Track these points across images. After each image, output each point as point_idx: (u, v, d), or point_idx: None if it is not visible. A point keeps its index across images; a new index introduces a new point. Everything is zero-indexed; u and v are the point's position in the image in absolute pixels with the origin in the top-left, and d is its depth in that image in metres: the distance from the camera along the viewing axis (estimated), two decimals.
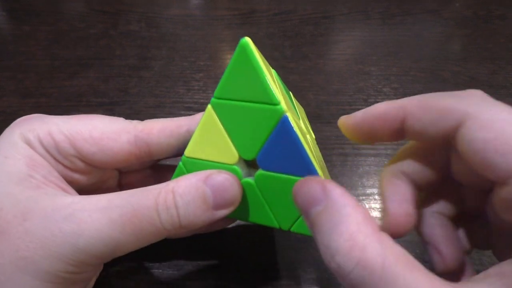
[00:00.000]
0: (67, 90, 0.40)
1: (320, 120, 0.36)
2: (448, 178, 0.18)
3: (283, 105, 0.16)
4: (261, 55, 0.18)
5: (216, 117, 0.18)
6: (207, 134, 0.18)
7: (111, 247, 0.16)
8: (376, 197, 0.30)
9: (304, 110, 0.39)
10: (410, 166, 0.18)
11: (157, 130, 0.19)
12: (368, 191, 0.31)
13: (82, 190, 0.20)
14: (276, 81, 0.19)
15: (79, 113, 0.37)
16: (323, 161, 0.21)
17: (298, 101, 0.40)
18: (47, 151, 0.18)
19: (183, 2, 0.55)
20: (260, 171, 0.18)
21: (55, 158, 0.18)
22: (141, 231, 0.16)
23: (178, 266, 0.26)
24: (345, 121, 0.18)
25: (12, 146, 0.18)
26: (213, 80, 0.42)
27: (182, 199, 0.17)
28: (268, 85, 0.16)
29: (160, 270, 0.25)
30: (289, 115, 0.17)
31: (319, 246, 0.14)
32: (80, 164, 0.19)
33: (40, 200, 0.16)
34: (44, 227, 0.16)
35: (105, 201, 0.16)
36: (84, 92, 0.40)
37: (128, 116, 0.33)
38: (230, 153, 0.18)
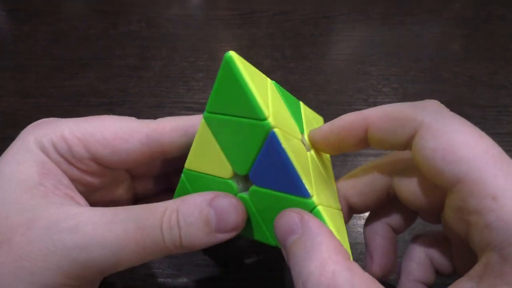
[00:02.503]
0: (67, 90, 0.40)
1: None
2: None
3: (271, 120, 0.16)
4: (251, 67, 0.17)
5: (210, 131, 0.17)
6: (202, 147, 0.18)
7: (113, 263, 0.16)
8: None
9: None
10: (388, 216, 0.20)
11: (170, 129, 0.19)
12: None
13: (95, 192, 0.20)
14: (272, 93, 0.18)
15: (79, 114, 0.37)
16: (329, 175, 0.21)
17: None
18: (61, 156, 0.18)
19: (183, 2, 0.55)
20: (253, 187, 0.18)
21: (69, 162, 0.18)
22: (144, 248, 0.16)
23: (178, 266, 0.26)
24: (313, 134, 0.19)
25: (26, 152, 0.17)
26: (213, 80, 0.42)
27: (185, 219, 0.17)
28: (255, 99, 0.15)
29: (160, 270, 0.25)
30: (277, 130, 0.16)
31: (292, 275, 0.15)
32: (94, 166, 0.19)
33: (46, 209, 0.16)
34: (46, 238, 0.15)
35: (110, 215, 0.16)
36: (84, 92, 0.40)
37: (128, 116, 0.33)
38: (224, 168, 0.18)
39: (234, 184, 0.18)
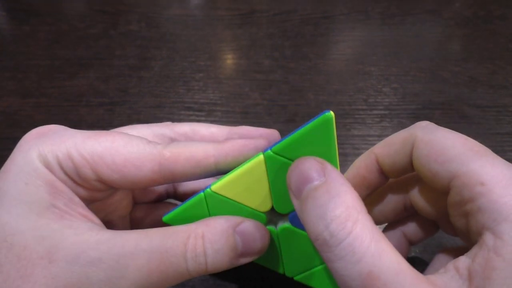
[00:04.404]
0: (67, 90, 0.40)
1: None
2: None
3: None
4: None
5: (265, 167, 0.18)
6: (247, 179, 0.18)
7: None
8: None
9: (304, 110, 0.39)
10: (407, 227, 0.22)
11: (184, 160, 0.18)
12: None
13: (95, 201, 0.20)
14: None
15: (79, 114, 0.37)
16: None
17: (298, 102, 0.40)
18: (67, 174, 0.17)
19: (183, 2, 0.55)
20: (287, 225, 0.19)
21: (74, 181, 0.18)
22: (166, 277, 0.16)
23: None
24: None
25: (32, 170, 0.16)
26: (213, 80, 0.42)
27: (212, 246, 0.17)
28: (337, 162, 0.17)
29: None
30: None
31: (308, 219, 0.15)
32: (98, 185, 0.18)
33: (65, 236, 0.16)
34: (70, 272, 0.15)
35: (133, 244, 0.16)
36: (84, 92, 0.40)
37: (128, 116, 0.33)
38: (264, 202, 0.18)
39: (264, 216, 0.19)
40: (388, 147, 0.19)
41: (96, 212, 0.18)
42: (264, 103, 0.39)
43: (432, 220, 0.21)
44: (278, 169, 0.17)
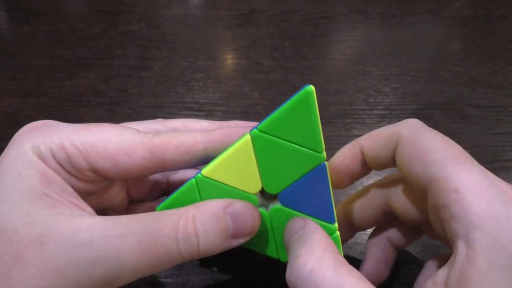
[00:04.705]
0: (67, 90, 0.40)
1: (320, 120, 0.36)
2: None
3: (325, 153, 0.17)
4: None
5: (252, 147, 0.18)
6: (235, 161, 0.18)
7: (128, 275, 0.16)
8: None
9: None
10: (392, 232, 0.22)
11: (174, 147, 0.18)
12: None
13: (90, 195, 0.20)
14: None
15: (79, 114, 0.37)
16: None
17: None
18: (60, 165, 0.18)
19: (183, 2, 0.55)
20: (278, 206, 0.19)
21: (68, 172, 0.18)
22: (158, 258, 0.16)
23: (178, 266, 0.26)
24: None
25: (25, 161, 0.17)
26: (213, 80, 0.42)
27: (203, 227, 0.17)
28: (320, 133, 0.17)
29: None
30: (327, 163, 0.18)
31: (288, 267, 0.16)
32: (92, 176, 0.18)
33: (56, 222, 0.16)
34: (60, 254, 0.15)
35: (123, 226, 0.16)
36: (84, 92, 0.40)
37: (128, 116, 0.33)
38: (254, 184, 0.18)
39: (256, 198, 0.19)
40: (374, 140, 0.19)
41: (91, 207, 0.19)
42: (264, 103, 0.39)
43: (415, 225, 0.21)
44: (265, 148, 0.17)
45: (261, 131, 0.17)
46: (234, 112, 0.38)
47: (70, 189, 0.18)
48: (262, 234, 0.20)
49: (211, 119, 0.37)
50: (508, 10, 0.54)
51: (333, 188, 0.19)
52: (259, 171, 0.18)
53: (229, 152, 0.18)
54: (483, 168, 0.16)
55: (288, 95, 0.41)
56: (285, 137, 0.17)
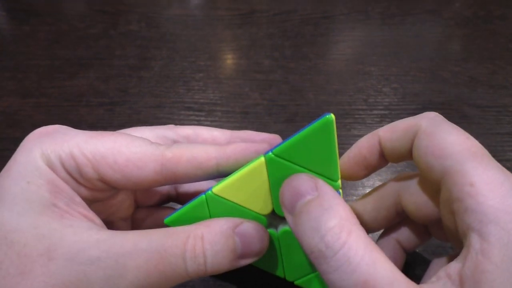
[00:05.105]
0: (67, 90, 0.40)
1: None
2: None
3: (340, 182, 0.17)
4: None
5: (266, 169, 0.18)
6: (248, 181, 0.18)
7: None
8: None
9: (304, 110, 0.39)
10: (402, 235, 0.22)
11: (186, 161, 0.18)
12: (368, 191, 0.31)
13: (97, 202, 0.20)
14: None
15: (79, 114, 0.37)
16: None
17: (298, 102, 0.40)
18: (69, 174, 0.17)
19: (183, 2, 0.55)
20: (288, 228, 0.19)
21: (76, 181, 0.18)
22: (165, 277, 0.16)
23: None
24: (342, 162, 0.20)
25: (34, 169, 0.17)
26: (213, 80, 0.42)
27: (211, 247, 0.17)
28: (337, 164, 0.17)
29: None
30: (341, 191, 0.18)
31: (302, 233, 0.15)
32: (100, 185, 0.18)
33: (65, 235, 0.16)
34: (69, 270, 0.15)
35: (132, 244, 0.16)
36: (84, 92, 0.40)
37: (128, 116, 0.33)
38: (265, 205, 0.18)
39: (265, 219, 0.19)
40: (392, 132, 0.19)
41: (98, 213, 0.18)
42: (264, 103, 0.39)
43: (424, 226, 0.21)
44: (279, 172, 0.17)
45: (276, 155, 0.17)
46: (234, 112, 0.38)
47: (78, 199, 0.18)
48: (270, 253, 0.19)
49: (211, 119, 0.37)
50: (508, 10, 0.54)
51: (349, 179, 0.19)
52: (271, 193, 0.18)
53: (242, 173, 0.18)
54: (498, 164, 0.16)
55: (288, 95, 0.41)
56: (301, 163, 0.17)
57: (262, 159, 0.17)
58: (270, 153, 0.17)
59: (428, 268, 0.20)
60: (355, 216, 0.15)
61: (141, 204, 0.24)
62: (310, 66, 0.44)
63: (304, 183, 0.16)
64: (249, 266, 0.19)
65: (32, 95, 0.39)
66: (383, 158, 0.20)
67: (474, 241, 0.14)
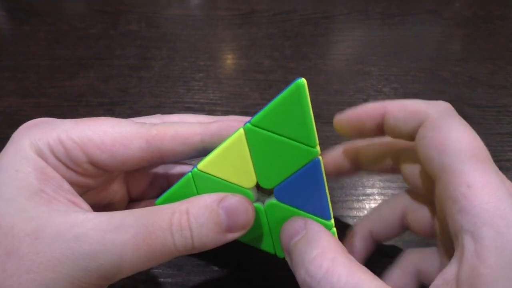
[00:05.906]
0: (67, 90, 0.40)
1: (320, 120, 0.36)
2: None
3: (318, 148, 0.17)
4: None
5: (246, 142, 0.18)
6: (230, 155, 0.18)
7: (123, 268, 0.16)
8: (376, 197, 0.30)
9: None
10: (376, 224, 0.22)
11: (170, 137, 0.19)
12: (368, 191, 0.31)
13: (90, 190, 0.20)
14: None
15: (79, 114, 0.37)
16: None
17: None
18: (59, 160, 0.18)
19: (183, 2, 0.55)
20: (273, 201, 0.19)
21: (66, 166, 0.18)
22: (154, 252, 0.16)
23: (178, 266, 0.26)
24: (339, 117, 0.22)
25: (23, 158, 0.17)
26: (213, 80, 0.42)
27: (196, 220, 0.17)
28: (312, 127, 0.17)
29: (160, 270, 0.25)
30: (321, 158, 0.17)
31: (294, 270, 0.16)
32: (91, 169, 0.19)
33: (51, 217, 0.16)
34: (55, 248, 0.15)
35: (118, 220, 0.16)
36: (84, 92, 0.40)
37: (128, 116, 0.33)
38: (249, 178, 0.18)
39: (251, 193, 0.19)
40: (400, 110, 0.19)
41: (91, 204, 0.19)
42: (264, 103, 0.39)
43: (400, 220, 0.22)
44: (258, 142, 0.17)
45: (254, 125, 0.17)
46: (234, 112, 0.38)
47: (67, 186, 0.18)
48: (258, 228, 0.20)
49: None
50: (508, 10, 0.54)
51: (340, 133, 0.19)
52: (253, 165, 0.18)
53: (223, 146, 0.18)
54: (496, 167, 0.16)
55: None
56: (278, 131, 0.17)
57: (241, 130, 0.17)
58: (248, 124, 0.17)
59: (400, 259, 0.21)
60: (340, 244, 0.16)
61: (134, 195, 0.24)
62: (310, 66, 0.44)
63: (294, 224, 0.17)
64: (243, 245, 0.19)
65: (32, 95, 0.39)
66: (381, 130, 0.20)
67: (467, 242, 0.14)
